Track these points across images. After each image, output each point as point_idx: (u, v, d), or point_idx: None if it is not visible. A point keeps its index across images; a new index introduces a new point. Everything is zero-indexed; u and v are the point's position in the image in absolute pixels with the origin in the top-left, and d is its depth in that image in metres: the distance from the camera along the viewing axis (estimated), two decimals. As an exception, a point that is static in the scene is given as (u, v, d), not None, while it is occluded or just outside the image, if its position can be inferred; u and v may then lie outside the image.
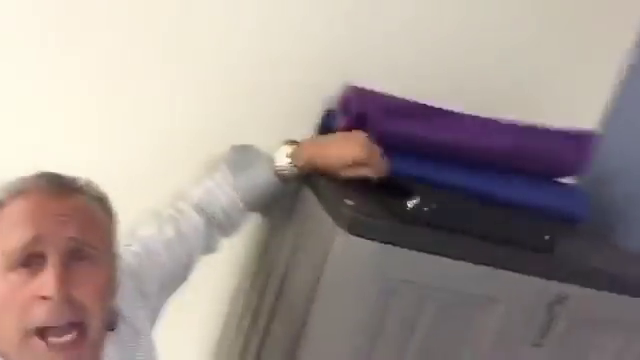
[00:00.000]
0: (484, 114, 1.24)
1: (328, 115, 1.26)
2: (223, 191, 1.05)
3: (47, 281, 0.72)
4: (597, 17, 1.35)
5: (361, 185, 1.03)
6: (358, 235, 0.92)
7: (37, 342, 0.73)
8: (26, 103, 1.11)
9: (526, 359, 1.04)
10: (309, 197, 1.08)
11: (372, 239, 0.93)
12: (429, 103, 1.22)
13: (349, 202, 0.95)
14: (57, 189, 0.79)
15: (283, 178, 1.06)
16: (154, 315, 0.99)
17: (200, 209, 1.05)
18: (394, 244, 0.94)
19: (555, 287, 1.01)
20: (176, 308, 1.06)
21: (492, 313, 1.00)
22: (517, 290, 1.00)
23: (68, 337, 0.74)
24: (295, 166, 1.05)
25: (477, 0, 1.28)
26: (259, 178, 1.05)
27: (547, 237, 1.01)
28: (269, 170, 1.05)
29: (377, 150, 1.04)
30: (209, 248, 1.08)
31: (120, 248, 0.97)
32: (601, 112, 1.42)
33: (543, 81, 1.37)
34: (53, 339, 0.73)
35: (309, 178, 1.10)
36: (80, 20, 1.09)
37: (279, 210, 1.20)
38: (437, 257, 0.95)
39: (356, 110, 1.16)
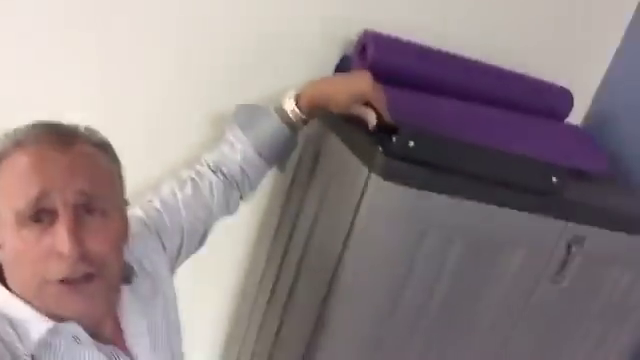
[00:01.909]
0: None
1: (344, 60, 1.26)
2: (236, 148, 1.05)
3: (61, 238, 0.71)
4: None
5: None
6: (392, 181, 0.94)
7: (56, 286, 0.74)
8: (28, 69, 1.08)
9: (544, 294, 1.10)
10: (336, 145, 1.09)
11: (402, 183, 0.95)
12: (447, 50, 1.23)
13: (381, 149, 0.96)
14: (58, 138, 0.75)
15: (291, 124, 1.05)
16: (172, 267, 1.00)
17: (217, 169, 1.05)
18: (425, 189, 0.96)
19: (573, 228, 1.06)
20: (199, 263, 1.08)
21: (514, 253, 1.05)
22: (538, 231, 1.05)
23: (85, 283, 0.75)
24: (300, 108, 1.04)
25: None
26: (268, 128, 1.04)
27: (555, 179, 1.02)
28: (277, 118, 1.04)
29: (381, 89, 1.04)
30: (228, 208, 1.08)
31: (143, 203, 1.00)
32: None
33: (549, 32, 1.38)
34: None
35: (334, 126, 1.11)
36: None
37: (299, 161, 1.22)
38: (464, 200, 0.98)
39: (372, 56, 1.16)
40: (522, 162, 1.03)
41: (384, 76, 1.16)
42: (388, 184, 0.94)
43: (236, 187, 1.07)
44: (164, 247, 0.98)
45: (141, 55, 1.12)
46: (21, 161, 0.73)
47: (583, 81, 1.43)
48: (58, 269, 0.72)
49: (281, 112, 1.05)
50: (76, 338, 0.76)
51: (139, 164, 0.92)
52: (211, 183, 1.04)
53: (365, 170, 0.97)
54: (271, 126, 1.05)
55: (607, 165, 1.26)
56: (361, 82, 1.03)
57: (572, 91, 1.34)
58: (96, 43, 1.09)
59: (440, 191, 0.97)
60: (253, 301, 1.33)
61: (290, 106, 1.04)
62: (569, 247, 1.07)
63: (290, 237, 1.21)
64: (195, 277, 1.12)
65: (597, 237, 1.08)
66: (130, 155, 0.84)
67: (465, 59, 1.25)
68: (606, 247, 1.10)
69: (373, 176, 0.95)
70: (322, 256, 1.07)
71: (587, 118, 1.47)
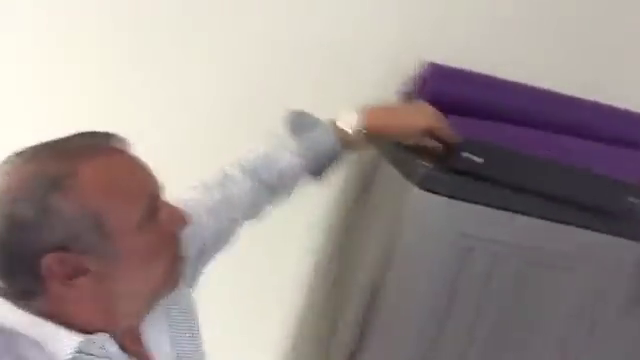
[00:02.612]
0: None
1: (405, 97, 1.28)
2: (281, 155, 0.99)
3: (172, 210, 0.77)
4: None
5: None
6: (429, 191, 0.93)
7: (181, 262, 0.79)
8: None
9: (614, 330, 0.98)
10: (383, 164, 1.10)
11: (444, 195, 0.93)
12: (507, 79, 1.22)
13: (422, 162, 0.96)
14: (120, 144, 0.76)
15: (346, 142, 1.00)
16: (193, 276, 0.95)
17: (251, 173, 0.99)
18: (468, 200, 0.93)
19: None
20: (261, 269, 1.11)
21: (574, 276, 0.96)
22: (602, 252, 0.96)
23: None
24: (360, 130, 0.99)
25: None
26: (322, 141, 0.99)
27: (631, 200, 0.94)
28: (332, 133, 0.99)
29: (445, 120, 1.03)
30: (254, 214, 1.03)
31: None
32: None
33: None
34: None
35: (382, 145, 1.13)
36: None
37: (356, 182, 1.23)
38: (513, 214, 0.94)
39: (431, 87, 1.18)
40: (596, 179, 0.97)
41: (445, 107, 1.17)
42: (426, 195, 0.93)
43: (270, 194, 1.01)
44: None
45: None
46: (122, 161, 0.74)
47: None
48: (181, 244, 0.78)
49: (335, 127, 1.01)
50: (105, 349, 0.74)
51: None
52: (241, 188, 0.98)
53: (406, 182, 0.96)
54: (324, 140, 1.00)
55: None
56: (425, 117, 1.02)
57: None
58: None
59: (483, 203, 0.93)
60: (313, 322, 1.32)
61: (349, 127, 0.99)
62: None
63: (347, 254, 1.22)
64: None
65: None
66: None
67: (530, 87, 1.22)
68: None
69: (411, 187, 0.94)
70: (370, 273, 1.05)
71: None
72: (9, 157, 0.71)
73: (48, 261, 0.68)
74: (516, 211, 0.94)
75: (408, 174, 0.98)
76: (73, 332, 0.71)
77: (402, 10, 1.24)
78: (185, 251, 0.81)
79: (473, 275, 0.96)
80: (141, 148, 0.79)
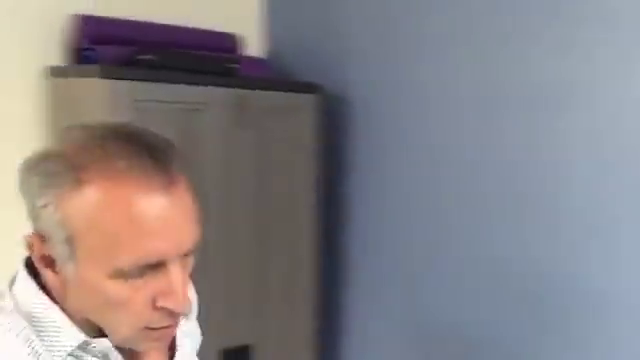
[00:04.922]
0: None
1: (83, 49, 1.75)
2: None
3: (175, 297, 0.66)
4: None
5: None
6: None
7: (146, 332, 0.69)
8: None
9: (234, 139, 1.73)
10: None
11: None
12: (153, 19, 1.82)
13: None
14: (163, 175, 0.64)
15: None
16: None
17: None
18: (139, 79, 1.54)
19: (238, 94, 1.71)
20: None
21: (207, 115, 1.66)
22: (217, 98, 1.68)
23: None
24: None
25: None
26: None
27: (230, 65, 1.73)
28: None
29: None
30: None
31: None
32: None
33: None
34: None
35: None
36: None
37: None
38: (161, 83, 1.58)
39: (88, 34, 1.70)
40: (211, 57, 1.73)
41: (100, 42, 1.70)
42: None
43: None
44: None
45: None
46: (131, 211, 0.62)
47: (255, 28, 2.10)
48: (162, 319, 0.68)
49: None
50: (105, 356, 0.70)
51: None
52: None
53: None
54: None
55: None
56: None
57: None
58: None
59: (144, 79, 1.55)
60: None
61: None
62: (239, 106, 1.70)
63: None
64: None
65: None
66: None
67: (159, 24, 1.85)
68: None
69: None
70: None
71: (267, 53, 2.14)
72: (86, 127, 0.68)
73: (30, 237, 0.66)
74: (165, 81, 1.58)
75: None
76: (76, 327, 0.68)
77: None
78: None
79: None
80: None
